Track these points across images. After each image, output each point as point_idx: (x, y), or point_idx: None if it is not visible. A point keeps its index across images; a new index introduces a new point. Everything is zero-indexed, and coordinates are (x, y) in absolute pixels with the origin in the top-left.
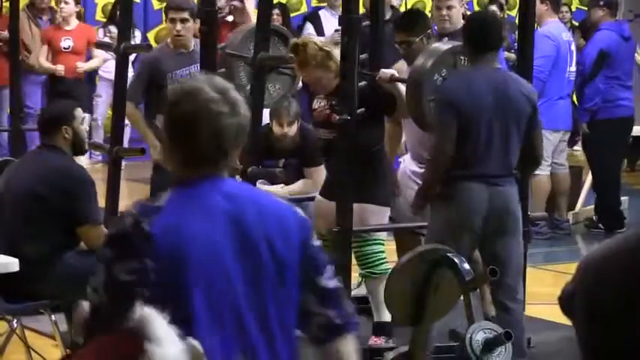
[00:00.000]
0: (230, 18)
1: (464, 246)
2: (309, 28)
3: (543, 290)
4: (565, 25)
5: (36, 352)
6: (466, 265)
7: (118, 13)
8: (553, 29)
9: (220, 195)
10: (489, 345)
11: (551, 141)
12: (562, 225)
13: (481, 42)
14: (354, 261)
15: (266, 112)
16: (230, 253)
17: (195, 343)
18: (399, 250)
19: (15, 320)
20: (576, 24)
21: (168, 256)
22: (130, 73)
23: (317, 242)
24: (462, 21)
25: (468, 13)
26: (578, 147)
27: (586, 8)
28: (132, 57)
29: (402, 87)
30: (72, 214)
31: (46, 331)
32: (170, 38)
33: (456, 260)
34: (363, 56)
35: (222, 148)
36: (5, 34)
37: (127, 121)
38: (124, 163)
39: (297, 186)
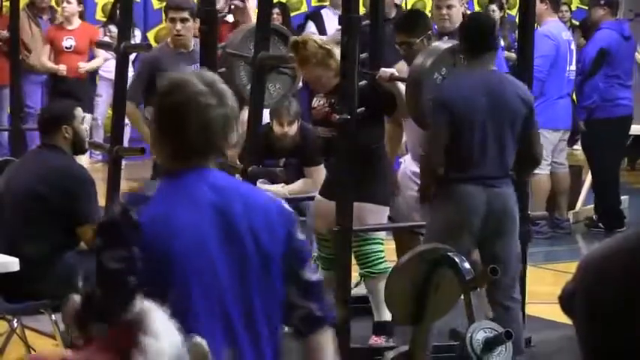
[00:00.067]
0: (229, 18)
1: (462, 247)
2: (311, 26)
3: (544, 289)
4: (565, 25)
5: (36, 351)
6: (466, 265)
7: (118, 12)
8: (553, 28)
9: (207, 186)
10: (490, 344)
11: (551, 140)
12: (562, 224)
13: (476, 44)
14: (353, 261)
15: (266, 112)
16: (216, 244)
17: (201, 340)
18: (399, 250)
19: (15, 320)
20: (576, 23)
21: (156, 246)
22: (130, 72)
23: (302, 236)
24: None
25: (468, 12)
26: (578, 146)
27: (586, 7)
28: (132, 56)
29: (402, 86)
30: (72, 214)
31: (46, 331)
32: (170, 38)
33: (456, 259)
34: (363, 55)
35: (211, 140)
36: (5, 33)
37: (127, 121)
38: (124, 162)
39: (298, 185)
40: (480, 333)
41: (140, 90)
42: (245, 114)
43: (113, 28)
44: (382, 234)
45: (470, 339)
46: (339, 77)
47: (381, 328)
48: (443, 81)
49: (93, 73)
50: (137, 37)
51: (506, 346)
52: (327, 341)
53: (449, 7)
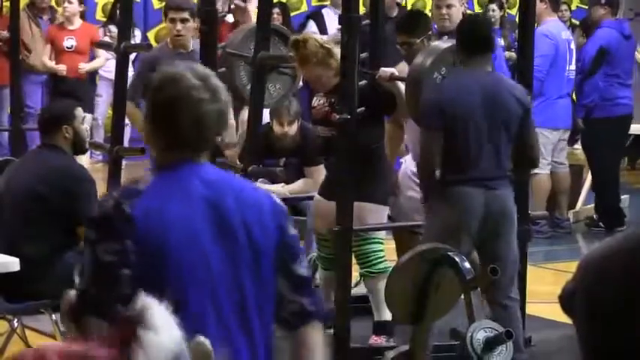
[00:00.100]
0: (229, 18)
1: (461, 249)
2: (312, 26)
3: (544, 289)
4: (564, 24)
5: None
6: (467, 264)
7: (118, 12)
8: (552, 28)
9: (199, 180)
10: (490, 344)
11: (551, 140)
12: (562, 224)
13: (472, 45)
14: (353, 260)
15: (266, 112)
16: (209, 238)
17: (204, 339)
18: (399, 249)
19: (15, 320)
20: (576, 22)
21: (149, 239)
22: (131, 72)
23: (293, 230)
24: None
25: (469, 11)
26: (578, 145)
27: (586, 7)
28: (132, 56)
29: (402, 86)
30: (72, 214)
31: (46, 331)
32: (169, 38)
33: (456, 259)
34: (363, 55)
35: (203, 134)
36: (5, 33)
37: (127, 121)
38: (124, 162)
39: (298, 185)
40: (480, 332)
41: (140, 90)
42: (245, 114)
43: (113, 28)
44: (382, 233)
45: (470, 338)
46: (339, 77)
47: (381, 328)
48: (442, 81)
49: (93, 73)
50: (137, 37)
51: (506, 345)
52: (316, 335)
53: (449, 6)
